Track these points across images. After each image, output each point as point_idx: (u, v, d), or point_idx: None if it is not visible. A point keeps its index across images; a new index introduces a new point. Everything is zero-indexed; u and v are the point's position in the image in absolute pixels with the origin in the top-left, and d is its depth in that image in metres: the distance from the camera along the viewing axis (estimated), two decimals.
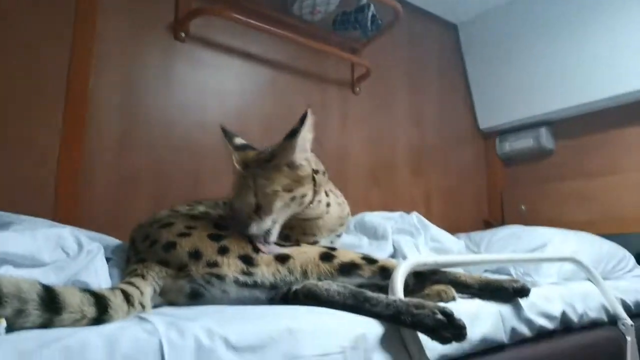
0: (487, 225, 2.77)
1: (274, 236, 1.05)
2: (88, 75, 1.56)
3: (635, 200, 2.36)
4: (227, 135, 1.21)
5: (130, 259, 1.00)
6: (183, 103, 1.78)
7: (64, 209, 1.42)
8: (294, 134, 1.04)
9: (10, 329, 0.61)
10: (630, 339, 1.37)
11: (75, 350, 0.55)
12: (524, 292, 1.09)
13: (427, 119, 2.66)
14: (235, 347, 0.66)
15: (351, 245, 1.52)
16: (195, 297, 0.91)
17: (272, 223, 1.05)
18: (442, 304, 0.84)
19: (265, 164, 1.07)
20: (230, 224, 1.05)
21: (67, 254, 0.90)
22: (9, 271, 0.77)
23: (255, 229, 1.01)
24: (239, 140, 1.21)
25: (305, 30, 2.09)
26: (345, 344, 0.77)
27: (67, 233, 0.94)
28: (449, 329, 0.81)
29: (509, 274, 1.67)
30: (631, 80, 2.31)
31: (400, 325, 0.84)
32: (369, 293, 0.88)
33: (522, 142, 2.84)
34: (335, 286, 0.91)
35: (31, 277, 0.68)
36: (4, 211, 1.10)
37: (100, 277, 0.88)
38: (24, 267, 0.80)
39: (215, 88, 1.87)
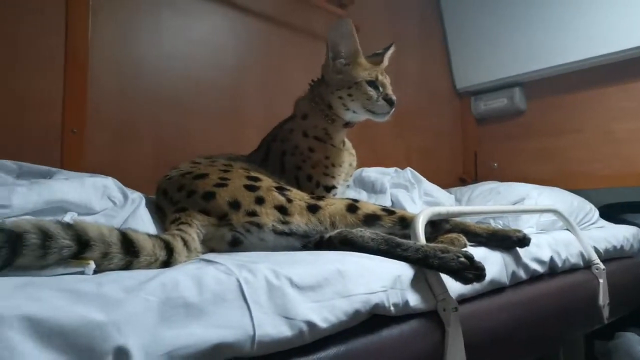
0: (462, 182, 2.91)
1: None
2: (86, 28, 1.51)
3: (591, 157, 2.57)
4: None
5: (164, 209, 1.02)
6: (170, 55, 1.74)
7: (70, 161, 1.40)
8: None
9: (95, 271, 0.64)
10: (602, 280, 1.54)
11: (170, 286, 0.59)
12: (525, 241, 1.19)
13: (408, 79, 2.71)
14: (299, 286, 0.72)
15: None
16: (235, 245, 0.96)
17: None
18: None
19: None
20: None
21: (114, 203, 0.91)
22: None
23: None
24: None
25: None
26: (386, 284, 0.84)
27: (110, 183, 0.95)
28: (471, 270, 0.90)
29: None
30: (596, 46, 2.47)
31: (428, 267, 0.92)
32: (399, 239, 0.95)
33: (497, 102, 2.97)
34: (368, 233, 0.97)
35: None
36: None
37: (147, 224, 0.90)
38: (80, 215, 0.82)
39: (202, 39, 1.84)
